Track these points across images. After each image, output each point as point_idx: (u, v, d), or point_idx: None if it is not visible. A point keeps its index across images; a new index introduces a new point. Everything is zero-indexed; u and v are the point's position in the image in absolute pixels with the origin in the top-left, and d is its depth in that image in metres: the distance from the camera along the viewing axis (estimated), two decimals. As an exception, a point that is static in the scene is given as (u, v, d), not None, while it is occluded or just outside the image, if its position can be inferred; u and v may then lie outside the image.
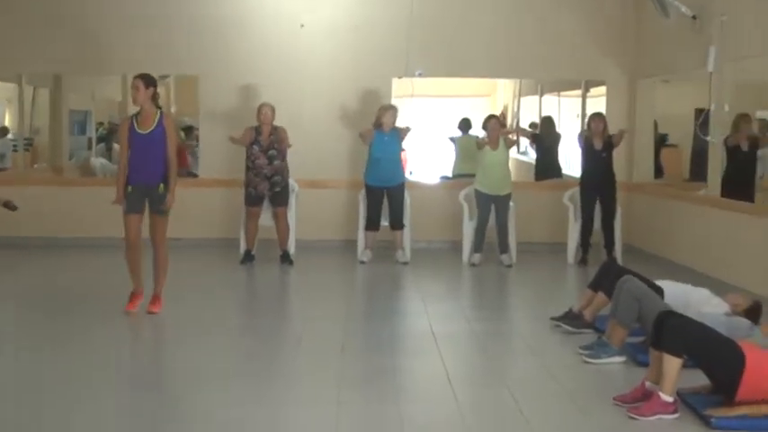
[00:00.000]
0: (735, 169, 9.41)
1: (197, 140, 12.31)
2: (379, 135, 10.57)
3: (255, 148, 10.30)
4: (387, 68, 11.62)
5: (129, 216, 7.57)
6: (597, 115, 10.82)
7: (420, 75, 11.65)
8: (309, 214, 11.32)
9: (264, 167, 10.27)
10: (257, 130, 10.34)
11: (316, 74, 11.65)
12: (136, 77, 7.68)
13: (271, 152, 10.31)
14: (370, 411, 5.29)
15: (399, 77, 11.72)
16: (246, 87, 11.58)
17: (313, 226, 11.41)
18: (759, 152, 9.83)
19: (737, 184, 9.32)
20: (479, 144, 10.72)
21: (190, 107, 12.35)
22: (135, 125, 7.60)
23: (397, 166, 10.75)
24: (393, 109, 10.72)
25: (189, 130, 13.22)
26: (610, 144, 10.61)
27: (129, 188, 7.57)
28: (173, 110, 13.41)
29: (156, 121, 7.58)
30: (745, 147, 9.40)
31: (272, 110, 10.36)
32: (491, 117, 11.05)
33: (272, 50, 11.64)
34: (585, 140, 10.70)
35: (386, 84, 11.67)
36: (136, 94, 7.61)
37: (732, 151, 9.41)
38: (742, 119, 9.52)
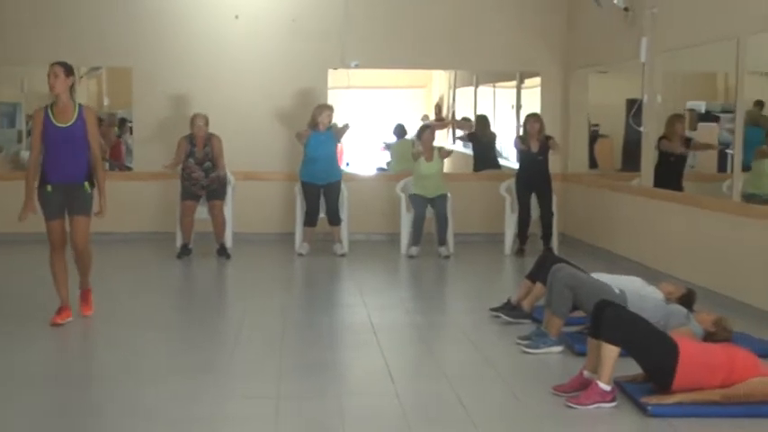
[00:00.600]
0: (666, 170, 9.53)
1: (131, 133, 12.13)
2: (316, 135, 10.53)
3: (191, 161, 10.23)
4: (322, 60, 11.58)
5: (52, 223, 6.95)
6: (533, 116, 10.89)
7: (356, 66, 11.63)
8: (246, 207, 11.25)
9: (201, 180, 10.25)
10: (191, 141, 10.26)
11: (251, 65, 11.57)
12: (54, 64, 6.99)
13: (206, 164, 10.26)
14: (310, 405, 5.27)
15: (335, 69, 11.69)
16: (182, 79, 11.45)
17: (250, 219, 11.35)
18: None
19: (668, 175, 9.47)
20: (414, 155, 10.76)
21: (123, 99, 12.15)
22: (51, 117, 6.91)
23: (334, 164, 10.74)
24: (329, 109, 10.69)
25: (122, 122, 13.01)
26: (546, 146, 10.68)
27: (49, 188, 6.92)
28: (105, 102, 13.18)
29: (76, 113, 6.93)
30: (677, 150, 9.52)
31: (206, 121, 10.30)
32: (425, 128, 11.14)
33: (208, 42, 11.53)
34: (522, 143, 10.74)
35: (321, 75, 11.62)
36: (54, 81, 6.87)
37: (665, 154, 9.53)
38: (676, 119, 9.64)
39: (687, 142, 9.74)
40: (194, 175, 10.23)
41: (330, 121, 10.61)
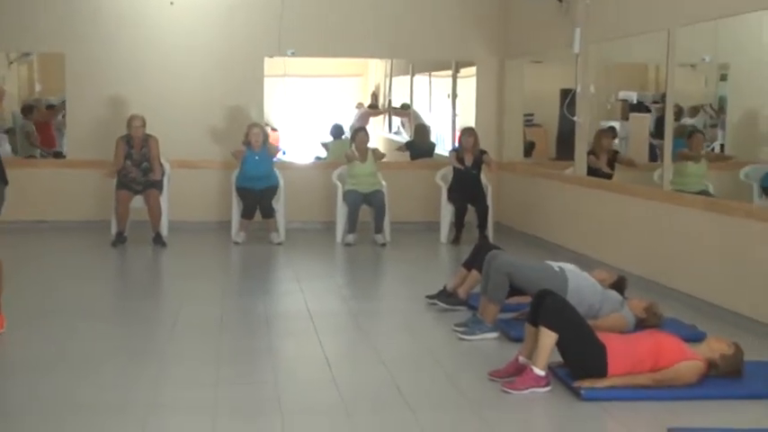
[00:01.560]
0: (595, 175, 9.69)
1: (63, 118, 11.96)
2: (251, 154, 10.55)
3: (128, 162, 10.18)
4: (258, 48, 11.54)
5: None
6: (468, 130, 10.98)
7: (292, 54, 11.62)
8: (182, 195, 11.18)
9: (138, 179, 10.19)
10: (128, 143, 10.19)
11: (186, 52, 11.48)
12: None
13: (144, 165, 10.23)
14: (247, 392, 5.27)
15: (271, 57, 11.66)
16: (116, 65, 11.33)
17: (186, 207, 11.28)
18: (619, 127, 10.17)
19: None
20: (348, 157, 10.78)
21: (56, 86, 11.98)
22: None
23: (270, 177, 10.73)
24: (258, 127, 10.73)
25: (50, 108, 12.80)
26: (480, 160, 10.76)
27: None
28: (37, 89, 12.99)
29: None
30: (604, 167, 9.67)
31: (143, 122, 10.28)
32: (359, 130, 11.18)
33: (142, 28, 11.41)
34: (457, 157, 10.81)
35: (258, 63, 11.58)
36: None
37: (593, 170, 9.69)
38: (603, 135, 9.81)
39: (614, 155, 9.91)
40: (131, 176, 10.23)
41: (263, 140, 10.62)
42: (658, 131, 10.77)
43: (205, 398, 5.10)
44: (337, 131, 13.46)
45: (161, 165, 10.43)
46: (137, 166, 10.23)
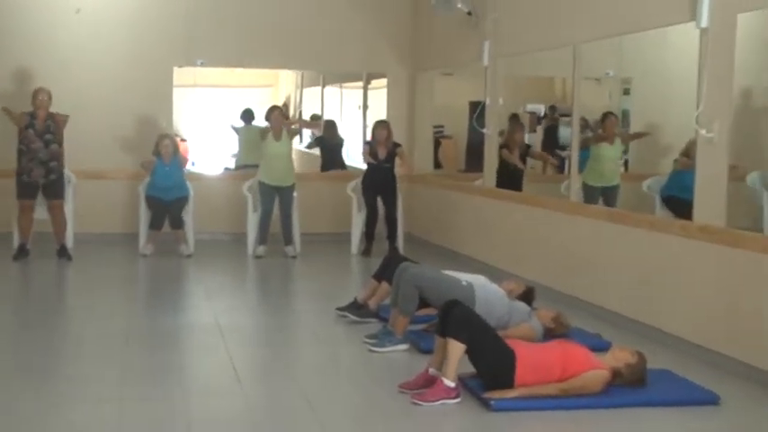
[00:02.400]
0: (508, 175, 9.84)
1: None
2: (161, 165, 10.42)
3: (30, 131, 9.84)
4: (167, 57, 11.41)
5: None
6: (381, 123, 10.98)
7: (202, 64, 11.51)
8: (88, 206, 10.97)
9: (40, 151, 9.83)
10: (32, 116, 9.89)
11: (94, 61, 11.28)
12: None
13: (47, 136, 9.88)
14: (155, 409, 5.18)
15: (180, 66, 11.54)
16: (21, 72, 11.06)
17: (92, 219, 11.07)
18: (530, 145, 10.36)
19: (509, 181, 9.78)
20: (263, 133, 10.69)
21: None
22: None
23: (181, 187, 10.59)
24: (169, 139, 10.58)
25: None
26: (393, 153, 10.80)
27: None
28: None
29: None
30: (517, 162, 9.84)
31: (49, 95, 9.94)
32: (274, 108, 11.05)
33: (48, 35, 11.18)
34: (370, 150, 10.84)
35: (167, 73, 11.44)
36: None
37: (505, 165, 9.83)
38: (515, 129, 9.97)
39: (527, 149, 10.08)
40: (33, 146, 9.81)
41: (173, 151, 10.48)
42: (548, 142, 11.08)
43: (110, 415, 5.00)
44: (248, 117, 13.35)
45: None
46: (39, 136, 9.85)
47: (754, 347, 5.78)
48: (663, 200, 8.28)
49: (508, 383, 5.21)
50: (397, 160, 10.86)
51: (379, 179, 10.76)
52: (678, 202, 7.65)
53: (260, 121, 12.31)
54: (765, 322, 5.69)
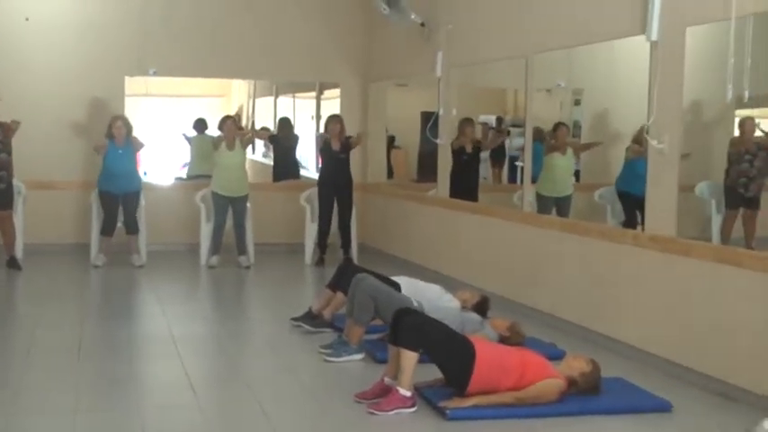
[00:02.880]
0: (460, 171, 9.91)
1: None
2: (113, 148, 10.28)
3: None
4: (119, 66, 11.31)
5: None
6: (334, 117, 11.01)
7: (154, 74, 11.44)
8: (38, 217, 10.84)
9: None
10: None
11: (44, 70, 11.16)
12: None
13: None
14: (109, 420, 5.14)
15: (132, 76, 11.45)
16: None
17: (43, 229, 10.93)
18: (482, 154, 10.42)
19: (463, 185, 9.84)
20: (215, 143, 10.64)
21: None
22: None
23: (133, 176, 10.50)
24: (122, 120, 10.43)
25: None
26: (348, 146, 10.82)
27: None
28: None
29: None
30: (469, 149, 9.92)
31: None
32: (227, 118, 11.02)
33: (-4, 44, 11.05)
34: (324, 142, 10.87)
35: (118, 82, 11.34)
36: None
37: (458, 153, 9.91)
38: (466, 123, 10.05)
39: (477, 143, 10.17)
40: None
41: (126, 133, 10.36)
42: (495, 153, 11.20)
43: (63, 426, 4.95)
44: (200, 126, 13.28)
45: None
46: None
47: (706, 355, 5.87)
48: (618, 194, 8.38)
49: (465, 378, 5.21)
50: (353, 142, 10.90)
51: (336, 172, 10.77)
52: (631, 199, 7.75)
53: (213, 130, 12.28)
54: (716, 330, 5.78)
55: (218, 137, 10.71)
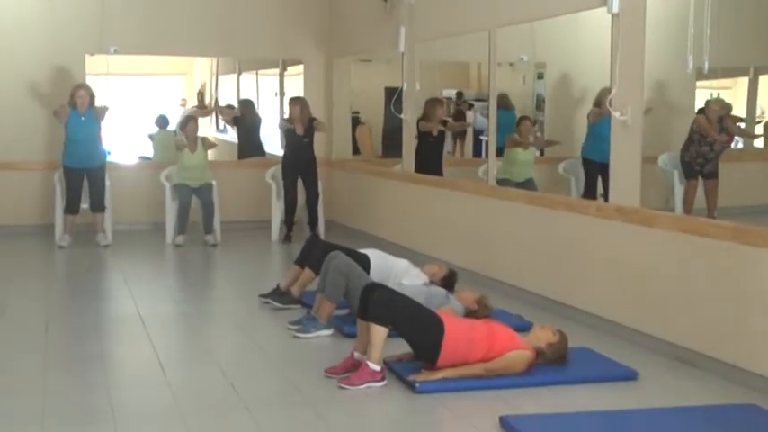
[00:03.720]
0: (426, 151, 9.93)
1: None
2: (75, 115, 10.16)
3: None
4: (79, 45, 11.19)
5: None
6: (295, 100, 10.94)
7: (115, 52, 11.31)
8: (1, 198, 10.73)
9: None
10: None
11: (2, 51, 11.00)
12: None
13: None
14: (78, 400, 5.12)
15: (92, 54, 11.33)
16: None
17: (5, 210, 10.84)
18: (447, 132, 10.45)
19: (428, 165, 9.86)
20: (178, 145, 10.62)
21: None
22: None
23: (97, 147, 10.40)
24: (85, 87, 10.32)
25: None
26: (311, 129, 10.79)
27: None
28: None
29: None
30: (435, 132, 9.93)
31: None
32: (189, 119, 11.02)
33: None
34: (287, 129, 10.81)
35: (78, 61, 11.22)
36: None
37: (424, 135, 9.91)
38: (435, 104, 10.04)
39: (444, 124, 10.18)
40: None
41: (89, 102, 10.25)
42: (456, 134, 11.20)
43: (32, 406, 4.93)
44: (162, 122, 13.21)
45: None
46: None
47: (670, 323, 5.95)
48: (582, 161, 8.43)
49: (435, 352, 5.26)
50: (317, 134, 10.87)
51: (300, 155, 10.73)
52: (594, 167, 7.81)
53: (174, 116, 12.21)
54: (679, 298, 5.87)
55: (180, 139, 10.68)
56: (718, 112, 7.39)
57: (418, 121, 9.87)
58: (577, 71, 9.12)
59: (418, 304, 5.49)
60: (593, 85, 7.94)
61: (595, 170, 7.75)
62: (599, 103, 7.44)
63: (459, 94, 11.58)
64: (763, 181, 7.77)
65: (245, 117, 12.83)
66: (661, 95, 7.41)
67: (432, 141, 9.95)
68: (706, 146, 7.18)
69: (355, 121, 13.08)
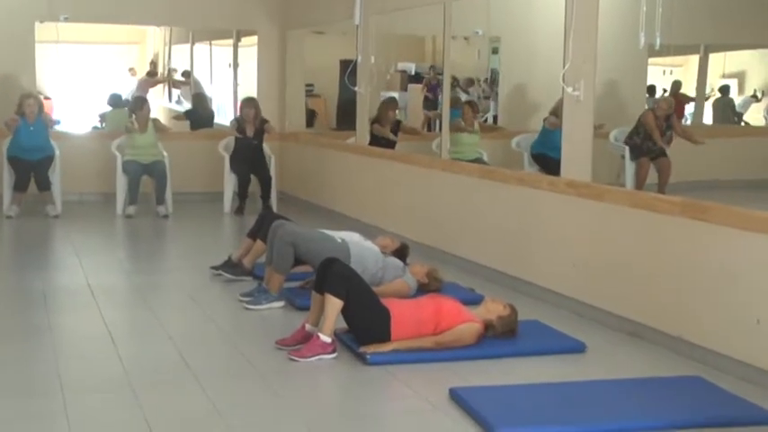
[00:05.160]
0: (378, 146, 9.92)
1: None
2: (25, 124, 10.08)
3: None
4: (27, 11, 10.99)
5: None
6: (249, 101, 10.89)
7: (65, 19, 11.13)
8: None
9: None
10: None
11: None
12: None
13: None
14: (26, 372, 5.07)
15: (42, 22, 11.14)
16: None
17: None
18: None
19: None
20: (128, 129, 10.50)
21: None
22: None
23: (46, 148, 10.29)
24: (33, 98, 10.25)
25: None
26: (261, 131, 10.72)
27: None
28: None
29: None
30: (390, 135, 9.93)
31: None
32: (143, 101, 10.88)
33: None
34: (238, 128, 10.74)
35: (27, 28, 11.02)
36: None
37: (377, 138, 9.90)
38: (389, 106, 10.05)
39: (398, 125, 10.17)
40: None
41: (38, 111, 10.15)
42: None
43: (-20, 379, 4.89)
44: (115, 101, 13.07)
45: None
46: None
47: (618, 297, 6.02)
48: (533, 156, 8.50)
49: (384, 340, 5.30)
50: (266, 137, 10.82)
51: (249, 156, 10.71)
52: (547, 160, 7.88)
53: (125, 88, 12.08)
54: (628, 272, 5.94)
55: (131, 122, 10.55)
56: (667, 111, 7.50)
57: (372, 123, 9.85)
58: (532, 46, 9.16)
59: (371, 289, 5.51)
60: (546, 60, 7.97)
61: (548, 163, 7.80)
62: (556, 112, 7.48)
63: (433, 67, 11.51)
64: (711, 156, 7.90)
65: (197, 111, 12.70)
66: (613, 72, 7.46)
67: (384, 143, 9.95)
68: (650, 141, 7.30)
69: (309, 93, 13.03)
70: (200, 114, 12.65)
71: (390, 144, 9.94)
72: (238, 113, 11.10)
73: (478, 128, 9.37)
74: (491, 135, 9.76)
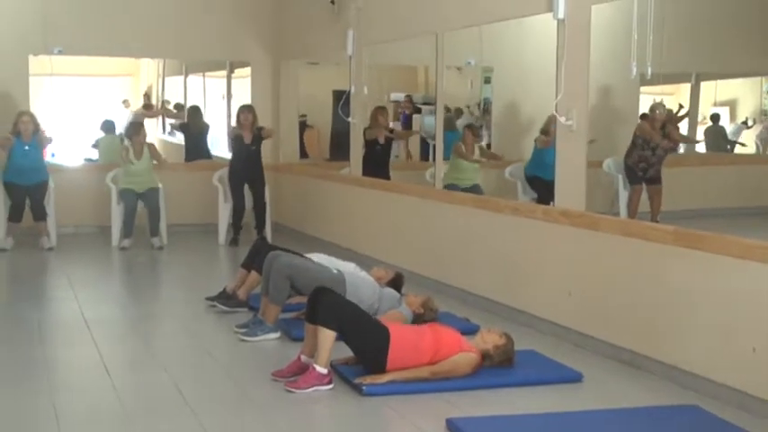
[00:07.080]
0: (373, 159, 9.97)
1: None
2: (20, 144, 10.08)
3: None
4: (21, 44, 11.02)
5: None
6: (246, 108, 10.91)
7: (59, 52, 11.17)
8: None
9: None
10: None
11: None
12: None
13: None
14: (22, 405, 5.06)
15: (36, 54, 11.17)
16: None
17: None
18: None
19: (377, 168, 9.89)
20: (123, 159, 10.53)
21: None
22: None
23: (40, 170, 10.32)
24: (28, 116, 10.25)
25: None
26: (259, 137, 10.75)
27: None
28: None
29: None
30: (382, 140, 9.99)
31: None
32: (138, 127, 10.90)
33: None
34: (235, 136, 10.77)
35: (22, 61, 11.06)
36: None
37: (371, 144, 9.96)
38: (379, 111, 10.10)
39: (390, 132, 10.23)
40: None
41: (33, 129, 10.16)
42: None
43: (-25, 413, 4.87)
44: (108, 127, 13.07)
45: None
46: None
47: (614, 326, 6.03)
48: (527, 179, 8.52)
49: (382, 362, 5.28)
50: (264, 141, 10.84)
51: (247, 164, 10.71)
52: (541, 182, 7.90)
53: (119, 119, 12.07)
54: (623, 301, 5.94)
55: (125, 148, 10.56)
56: (661, 118, 7.52)
57: (365, 130, 9.90)
58: (524, 76, 9.20)
59: (365, 312, 5.51)
60: (539, 90, 8.01)
61: (543, 186, 7.82)
62: (546, 130, 7.51)
63: (408, 97, 11.62)
64: (704, 185, 7.93)
65: (192, 123, 12.73)
66: (606, 101, 7.51)
67: (378, 149, 10.01)
68: (649, 150, 7.30)
69: (303, 125, 13.06)
70: (193, 128, 12.62)
71: (384, 149, 9.95)
72: (234, 122, 11.10)
73: (479, 153, 9.38)
74: (484, 164, 9.78)
